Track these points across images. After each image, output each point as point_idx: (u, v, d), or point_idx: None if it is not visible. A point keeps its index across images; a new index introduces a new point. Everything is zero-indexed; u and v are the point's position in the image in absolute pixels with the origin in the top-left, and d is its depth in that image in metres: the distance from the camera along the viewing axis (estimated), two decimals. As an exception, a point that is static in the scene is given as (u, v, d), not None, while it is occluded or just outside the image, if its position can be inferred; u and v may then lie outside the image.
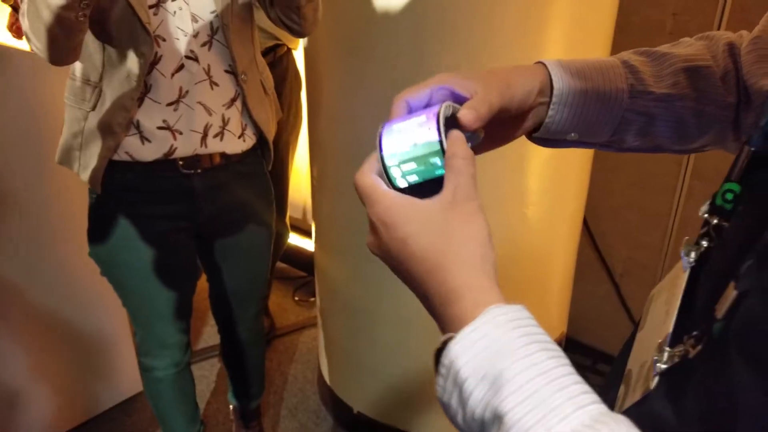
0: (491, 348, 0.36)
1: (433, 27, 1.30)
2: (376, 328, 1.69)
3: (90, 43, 1.19)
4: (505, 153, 1.44)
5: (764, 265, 0.33)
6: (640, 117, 0.56)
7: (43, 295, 1.72)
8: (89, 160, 1.25)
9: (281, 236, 2.21)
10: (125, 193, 1.29)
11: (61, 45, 1.09)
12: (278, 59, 1.95)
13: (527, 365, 0.35)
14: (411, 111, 0.50)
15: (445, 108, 0.46)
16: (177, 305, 1.42)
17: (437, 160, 0.45)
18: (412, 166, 0.45)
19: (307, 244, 2.68)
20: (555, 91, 0.53)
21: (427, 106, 0.50)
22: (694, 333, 0.40)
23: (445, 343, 0.38)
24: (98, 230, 1.34)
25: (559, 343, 1.87)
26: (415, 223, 0.42)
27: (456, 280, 0.40)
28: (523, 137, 0.59)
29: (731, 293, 0.35)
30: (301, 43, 1.77)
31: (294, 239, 2.68)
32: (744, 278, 0.35)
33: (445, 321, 0.40)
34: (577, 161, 1.59)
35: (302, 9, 1.19)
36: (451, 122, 0.46)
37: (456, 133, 0.45)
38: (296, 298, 2.57)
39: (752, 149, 0.43)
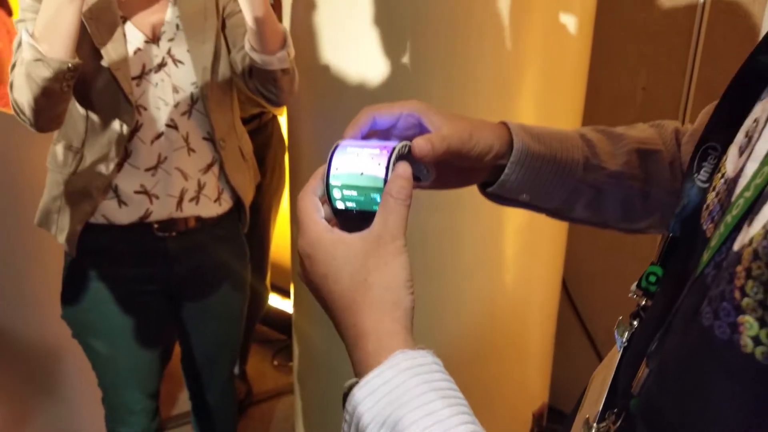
0: (391, 395, 0.36)
1: (406, 79, 1.34)
2: (352, 395, 1.66)
3: (74, 111, 1.22)
4: (480, 219, 1.47)
5: (663, 345, 0.35)
6: (591, 190, 0.58)
7: (17, 355, 1.70)
8: (66, 222, 1.27)
9: (260, 298, 2.20)
10: (99, 256, 1.30)
11: (46, 113, 1.13)
12: (263, 125, 2.00)
13: (423, 414, 0.35)
14: (375, 126, 0.51)
15: (400, 147, 0.46)
16: (145, 370, 1.41)
17: (377, 197, 0.45)
18: (353, 193, 0.46)
19: (289, 306, 2.66)
20: (514, 152, 0.54)
21: (393, 127, 0.51)
22: (615, 410, 0.41)
23: (350, 388, 0.39)
24: (71, 292, 1.34)
25: (540, 413, 1.85)
26: (336, 262, 0.43)
27: (364, 325, 0.41)
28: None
29: (644, 371, 0.37)
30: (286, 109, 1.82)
31: (276, 301, 2.66)
32: (652, 357, 0.36)
33: (354, 364, 0.42)
34: (551, 226, 1.61)
35: (279, 81, 1.23)
36: (405, 156, 0.47)
37: (401, 169, 0.45)
38: (275, 363, 2.53)
39: (670, 234, 0.45)
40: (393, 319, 0.41)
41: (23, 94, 1.09)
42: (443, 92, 1.34)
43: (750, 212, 0.29)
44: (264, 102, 1.32)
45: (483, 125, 0.53)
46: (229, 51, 1.32)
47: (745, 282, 0.26)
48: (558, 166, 0.56)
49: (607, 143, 0.59)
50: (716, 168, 0.41)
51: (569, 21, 1.40)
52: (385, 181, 0.44)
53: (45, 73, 1.04)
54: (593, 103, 1.68)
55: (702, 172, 0.42)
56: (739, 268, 0.27)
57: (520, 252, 1.55)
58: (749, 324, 0.26)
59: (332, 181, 0.46)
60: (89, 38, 1.16)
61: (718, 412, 0.27)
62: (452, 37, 1.30)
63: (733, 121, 0.40)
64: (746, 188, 0.30)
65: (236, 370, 2.21)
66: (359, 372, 0.40)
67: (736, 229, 0.30)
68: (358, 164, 0.46)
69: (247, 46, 1.21)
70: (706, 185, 0.42)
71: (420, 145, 0.47)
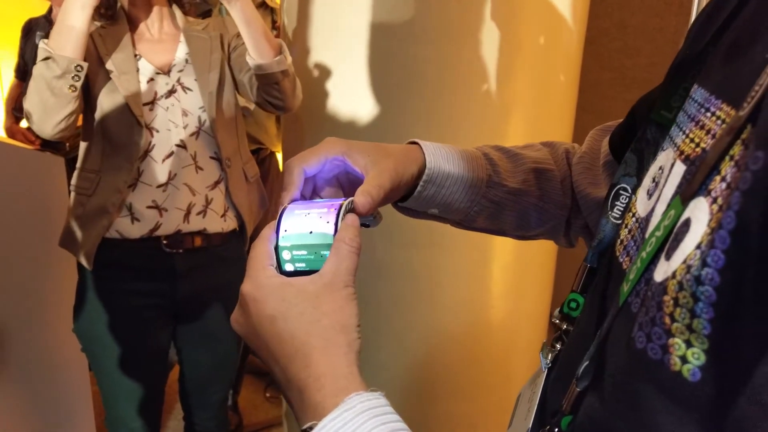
0: None
1: (396, 128, 1.42)
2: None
3: (94, 137, 1.33)
4: (464, 258, 1.50)
5: (595, 367, 0.38)
6: (492, 204, 0.63)
7: (26, 372, 1.71)
8: (86, 239, 1.34)
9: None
10: (111, 269, 1.37)
11: (53, 116, 1.22)
12: (261, 161, 2.10)
13: None
14: (305, 175, 0.53)
15: (346, 204, 0.48)
16: (146, 386, 1.44)
17: (327, 254, 0.45)
18: (303, 253, 0.46)
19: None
20: (426, 171, 0.58)
21: (319, 171, 0.54)
22: (547, 427, 0.43)
23: (308, 431, 0.39)
24: (82, 305, 1.41)
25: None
26: (286, 303, 0.43)
27: (319, 366, 0.40)
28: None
29: (574, 390, 0.40)
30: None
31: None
32: (582, 378, 0.39)
33: (305, 407, 0.40)
34: (538, 264, 1.64)
35: (281, 84, 1.34)
36: (351, 210, 0.48)
37: (350, 219, 0.47)
38: (267, 394, 2.53)
39: (588, 265, 0.49)
40: (348, 362, 0.41)
41: (33, 96, 1.20)
42: (431, 137, 1.40)
43: (661, 249, 0.32)
44: (274, 111, 1.42)
45: (403, 156, 0.56)
46: (234, 79, 1.43)
47: (674, 309, 0.29)
48: (465, 184, 0.60)
49: (507, 162, 0.64)
50: (627, 207, 0.46)
51: (555, 67, 1.49)
52: (335, 236, 0.46)
53: (54, 70, 1.17)
54: (584, 129, 1.75)
55: (615, 210, 0.47)
56: (666, 298, 0.30)
57: (507, 290, 1.57)
58: (678, 345, 0.29)
59: (282, 243, 0.46)
60: (106, 71, 1.30)
61: (652, 422, 0.31)
62: (440, 82, 1.38)
63: (639, 168, 0.47)
64: (657, 228, 0.34)
65: (228, 400, 2.22)
66: (314, 415, 0.39)
67: (651, 263, 0.33)
68: (306, 224, 0.46)
69: (249, 61, 1.33)
70: (619, 222, 0.46)
71: (361, 201, 0.49)
